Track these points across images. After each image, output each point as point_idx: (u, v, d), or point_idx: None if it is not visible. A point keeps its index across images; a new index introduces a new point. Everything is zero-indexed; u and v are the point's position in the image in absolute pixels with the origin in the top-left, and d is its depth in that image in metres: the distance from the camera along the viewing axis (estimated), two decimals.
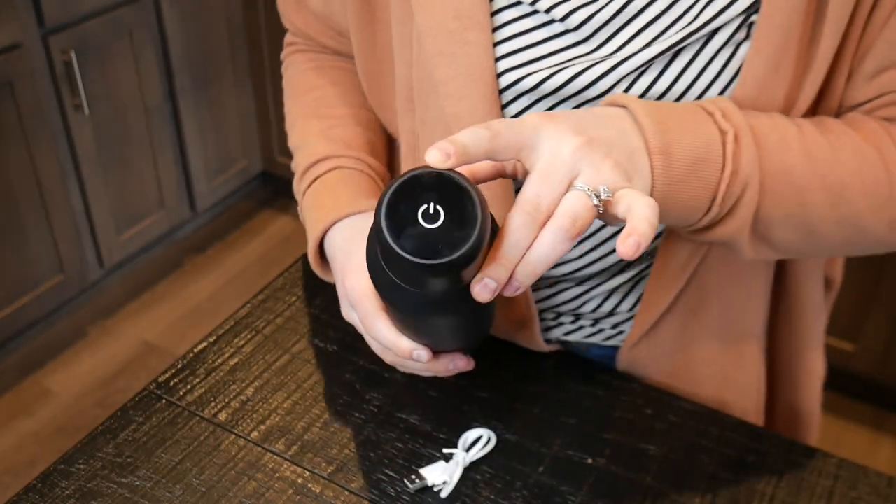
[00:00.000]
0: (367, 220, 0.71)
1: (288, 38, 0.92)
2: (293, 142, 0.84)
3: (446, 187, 0.48)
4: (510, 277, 0.51)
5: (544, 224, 0.51)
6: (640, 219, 0.50)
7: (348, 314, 0.71)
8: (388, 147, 0.86)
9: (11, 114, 1.86)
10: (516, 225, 0.50)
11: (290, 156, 0.85)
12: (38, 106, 1.91)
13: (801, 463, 0.74)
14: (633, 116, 0.58)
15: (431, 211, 0.48)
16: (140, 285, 2.40)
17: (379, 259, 0.52)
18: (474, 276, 0.51)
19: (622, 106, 0.59)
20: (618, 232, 0.73)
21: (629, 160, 0.56)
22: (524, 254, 0.51)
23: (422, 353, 0.63)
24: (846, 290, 1.87)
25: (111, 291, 2.36)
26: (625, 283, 0.78)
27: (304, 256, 0.95)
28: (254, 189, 2.73)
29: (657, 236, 0.75)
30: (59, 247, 2.08)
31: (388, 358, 0.68)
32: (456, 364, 0.65)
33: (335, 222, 0.74)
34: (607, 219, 0.54)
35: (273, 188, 2.73)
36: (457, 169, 0.50)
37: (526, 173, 0.54)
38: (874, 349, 1.89)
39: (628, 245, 0.49)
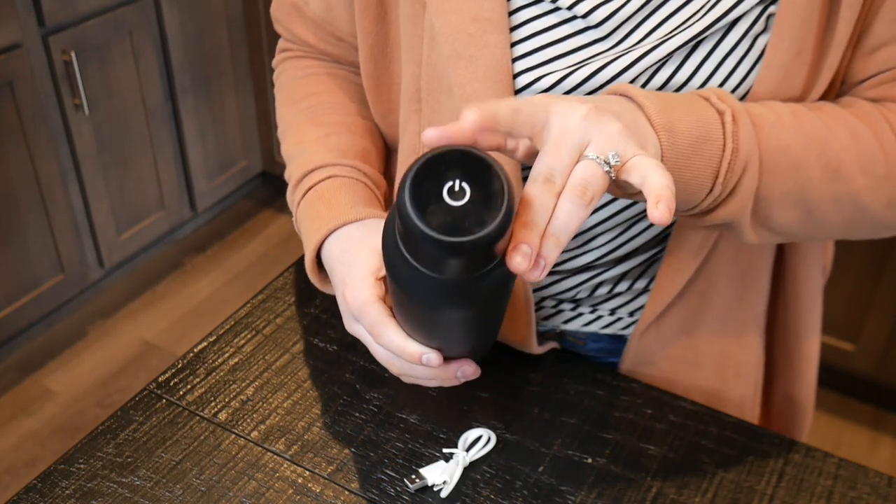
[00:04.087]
0: (364, 229, 0.70)
1: (281, 44, 0.90)
2: (287, 150, 0.81)
3: (471, 164, 0.46)
4: (537, 256, 0.50)
5: (559, 195, 0.51)
6: (660, 188, 0.50)
7: (352, 327, 0.68)
8: (386, 157, 0.85)
9: (11, 114, 1.87)
10: (535, 193, 0.50)
11: None
12: (38, 106, 1.91)
13: (800, 463, 0.74)
14: (634, 100, 0.59)
15: (457, 188, 0.46)
16: (140, 285, 2.40)
17: (398, 244, 0.50)
18: (499, 257, 0.49)
19: (622, 94, 0.60)
20: (633, 223, 0.75)
21: (638, 129, 0.56)
22: (549, 221, 0.51)
23: (431, 356, 0.61)
24: (846, 290, 1.87)
25: (111, 291, 2.36)
26: (631, 269, 0.79)
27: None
28: (254, 189, 2.73)
29: (672, 223, 0.75)
30: (59, 247, 2.08)
31: (395, 367, 0.65)
32: (464, 371, 0.63)
33: (332, 232, 0.71)
34: (622, 186, 0.55)
35: (273, 188, 2.73)
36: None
37: (525, 154, 0.55)
38: (874, 349, 1.89)
39: (660, 210, 0.49)
